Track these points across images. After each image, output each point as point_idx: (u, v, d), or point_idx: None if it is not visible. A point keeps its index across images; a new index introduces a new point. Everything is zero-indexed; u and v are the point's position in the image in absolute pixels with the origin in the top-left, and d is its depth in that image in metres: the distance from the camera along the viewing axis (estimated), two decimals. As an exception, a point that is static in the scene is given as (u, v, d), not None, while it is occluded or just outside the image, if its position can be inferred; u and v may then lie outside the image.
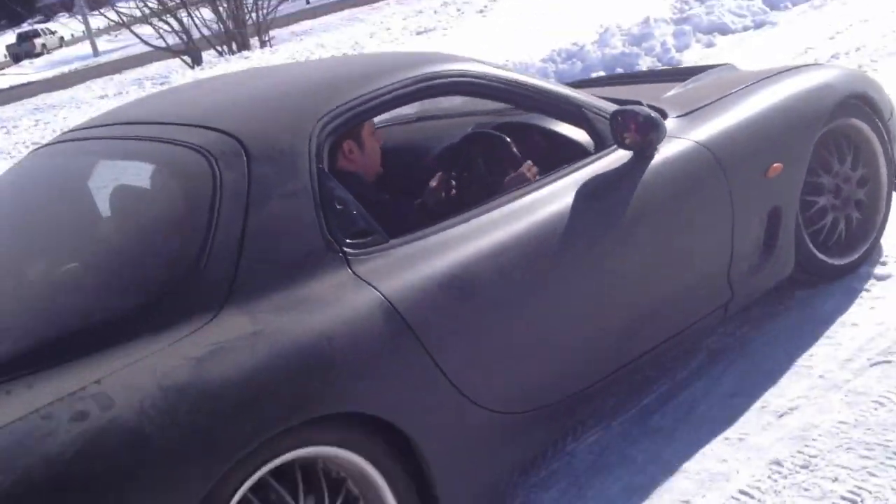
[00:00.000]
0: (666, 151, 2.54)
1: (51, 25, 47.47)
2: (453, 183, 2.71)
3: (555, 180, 2.40)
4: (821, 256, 2.96)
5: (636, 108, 2.46)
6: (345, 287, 1.93)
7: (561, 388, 2.29)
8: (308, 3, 44.59)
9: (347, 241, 2.01)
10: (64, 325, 1.81)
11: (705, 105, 2.79)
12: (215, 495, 1.65)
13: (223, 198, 1.92)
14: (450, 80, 2.41)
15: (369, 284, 1.95)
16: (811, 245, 2.93)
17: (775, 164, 2.74)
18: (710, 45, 8.01)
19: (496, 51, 8.25)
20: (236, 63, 12.91)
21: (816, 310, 2.95)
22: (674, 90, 3.09)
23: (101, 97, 13.53)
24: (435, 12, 14.06)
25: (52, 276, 2.09)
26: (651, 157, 2.51)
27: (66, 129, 3.00)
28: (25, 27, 52.08)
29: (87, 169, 2.44)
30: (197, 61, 18.20)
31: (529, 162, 2.56)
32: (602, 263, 2.38)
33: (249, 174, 1.97)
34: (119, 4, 21.00)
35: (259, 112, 2.24)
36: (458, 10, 12.83)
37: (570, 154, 2.55)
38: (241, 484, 1.71)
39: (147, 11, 19.40)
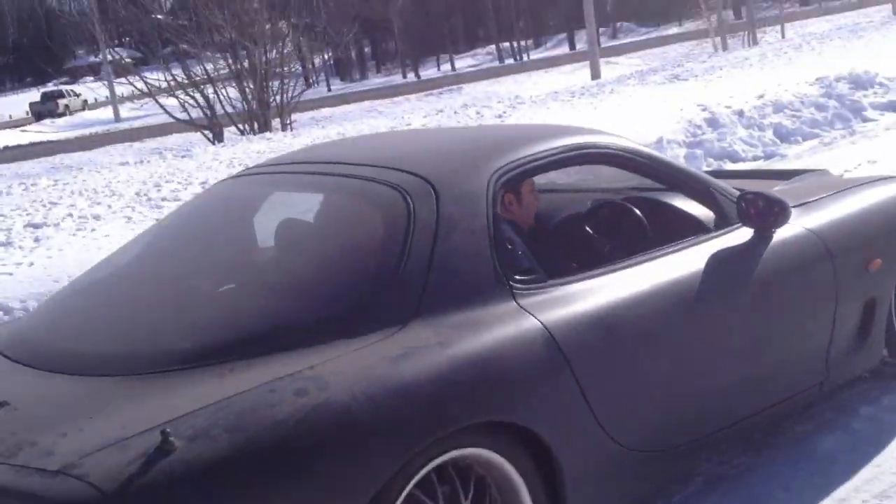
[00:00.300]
0: (782, 235, 2.86)
1: (76, 87, 48.48)
2: (594, 240, 3.01)
3: (685, 248, 2.73)
4: None
5: (765, 191, 2.87)
6: (511, 315, 2.27)
7: (681, 434, 2.58)
8: (329, 90, 45.79)
9: (515, 276, 2.37)
10: (282, 321, 2.22)
11: (815, 199, 3.13)
12: (400, 475, 1.96)
13: (416, 230, 2.30)
14: (603, 150, 2.81)
15: (531, 315, 2.29)
16: None
17: (876, 260, 3.06)
18: (720, 171, 8.22)
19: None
20: (258, 143, 13.16)
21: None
22: (779, 186, 3.42)
23: (122, 164, 13.74)
24: (455, 112, 14.42)
25: (272, 281, 2.56)
26: (770, 238, 2.83)
27: (257, 164, 3.58)
28: (51, 87, 53.23)
29: (296, 196, 3.00)
30: (218, 137, 18.53)
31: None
32: (723, 326, 2.71)
33: (438, 211, 2.35)
34: (146, 74, 21.55)
35: (444, 160, 2.67)
36: (478, 112, 13.17)
37: (690, 229, 2.87)
38: (421, 469, 2.01)
39: (174, 84, 19.85)
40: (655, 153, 2.99)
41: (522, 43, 56.26)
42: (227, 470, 1.78)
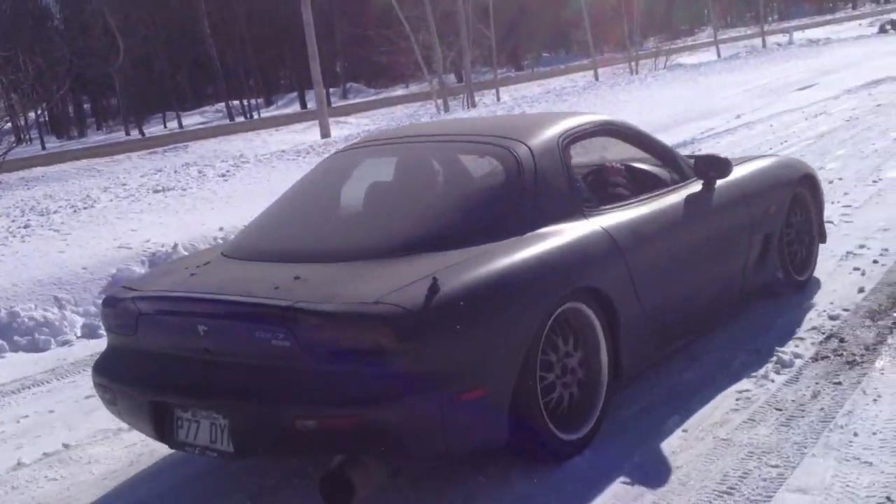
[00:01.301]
0: (720, 186, 4.33)
1: None
2: (618, 185, 4.29)
3: (668, 192, 4.17)
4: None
5: (712, 153, 4.83)
6: (584, 226, 3.56)
7: (672, 312, 3.90)
8: (44, 148, 42.54)
9: (584, 203, 3.72)
10: (456, 227, 3.35)
11: (735, 165, 4.45)
12: (545, 317, 3.15)
13: (523, 173, 3.54)
14: (616, 126, 4.34)
15: (598, 225, 3.60)
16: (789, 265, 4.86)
17: (772, 206, 4.64)
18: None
19: (231, 214, 8.21)
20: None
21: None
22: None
23: None
24: (176, 171, 13.86)
25: (441, 205, 3.66)
26: (714, 187, 4.30)
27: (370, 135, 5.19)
28: None
29: (429, 154, 4.13)
30: None
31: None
32: (694, 239, 4.10)
33: (534, 162, 3.59)
34: None
35: (524, 132, 3.82)
36: (200, 171, 12.72)
37: (666, 181, 4.31)
38: (554, 313, 3.19)
39: None
40: (644, 131, 4.48)
41: (253, 101, 55.66)
42: (458, 300, 2.87)
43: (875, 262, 5.32)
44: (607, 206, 3.78)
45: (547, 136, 3.77)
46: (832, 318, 4.48)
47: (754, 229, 4.48)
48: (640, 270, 3.63)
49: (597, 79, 29.05)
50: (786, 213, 4.76)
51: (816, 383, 3.75)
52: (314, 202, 4.05)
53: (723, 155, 4.47)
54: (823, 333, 4.30)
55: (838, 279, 5.14)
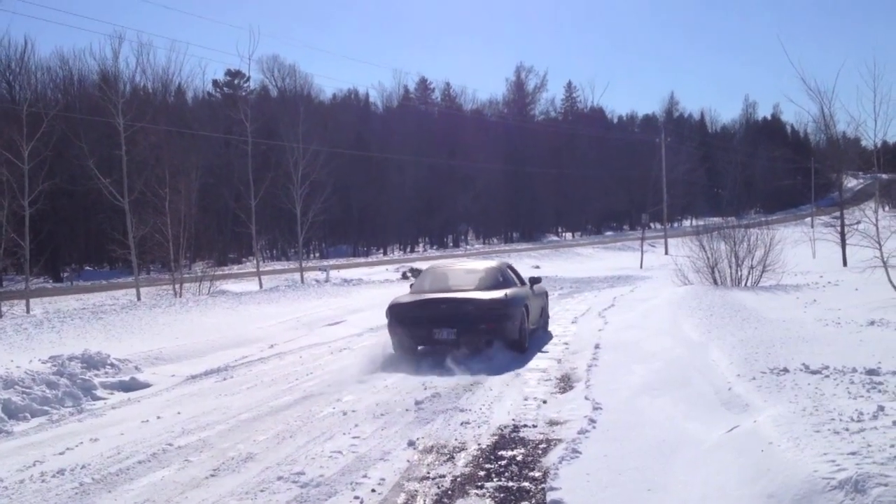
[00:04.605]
0: (534, 288, 15.13)
1: None
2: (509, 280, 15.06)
3: (524, 286, 14.71)
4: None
5: (533, 276, 16.46)
6: (524, 288, 15.17)
7: (533, 320, 15.40)
8: None
9: (517, 283, 15.21)
10: (484, 287, 13.76)
11: (536, 283, 15.48)
12: None
13: (502, 272, 14.65)
14: (510, 265, 15.63)
15: (527, 287, 15.49)
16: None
17: (544, 297, 16.47)
18: None
19: None
20: None
21: None
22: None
23: None
24: None
25: (477, 280, 14.21)
26: (533, 288, 14.96)
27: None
28: None
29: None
30: None
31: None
32: (535, 304, 14.97)
33: (502, 270, 14.95)
34: None
35: (494, 266, 15.23)
36: None
37: (524, 282, 14.93)
38: (524, 308, 14.10)
39: None
40: (515, 269, 15.49)
41: None
42: (509, 299, 13.36)
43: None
44: (521, 284, 14.42)
45: (504, 265, 15.03)
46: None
47: (542, 303, 15.72)
48: (527, 303, 13.65)
49: (139, 298, 28.61)
50: (546, 300, 16.18)
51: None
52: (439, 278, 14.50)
53: (534, 276, 16.46)
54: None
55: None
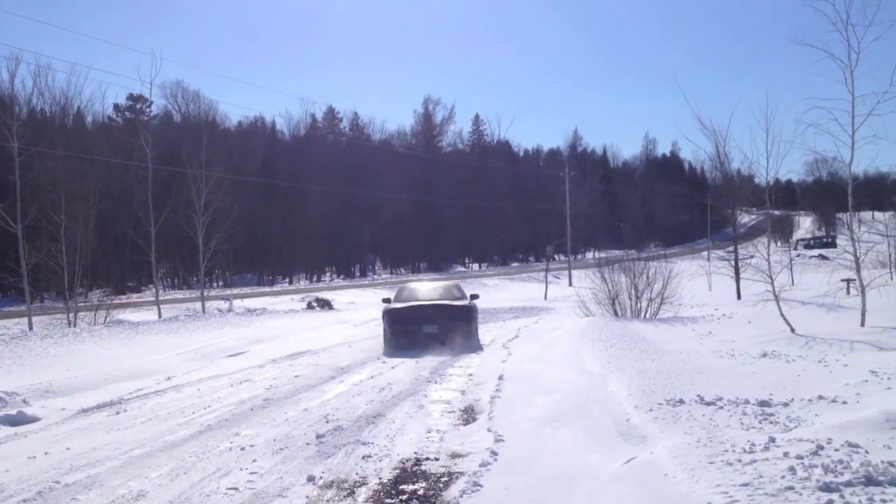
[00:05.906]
0: (474, 302, 20.54)
1: None
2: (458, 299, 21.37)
3: (467, 301, 20.29)
4: None
5: (475, 293, 22.35)
6: (470, 301, 21.93)
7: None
8: None
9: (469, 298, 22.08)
10: (450, 303, 20.21)
11: (473, 298, 21.19)
12: None
13: (459, 289, 22.13)
14: (459, 284, 24.33)
15: (471, 301, 22.31)
16: None
17: (478, 315, 21.00)
18: None
19: None
20: None
21: None
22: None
23: None
24: None
25: (446, 296, 20.69)
26: (474, 302, 20.32)
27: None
28: None
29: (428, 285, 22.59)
30: None
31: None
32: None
33: (463, 293, 21.90)
34: None
35: (455, 286, 22.52)
36: None
37: (467, 297, 20.73)
38: (475, 309, 21.62)
39: None
40: (461, 290, 21.47)
41: None
42: (470, 305, 20.65)
43: None
44: (469, 299, 20.47)
45: (457, 283, 22.28)
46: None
47: (475, 317, 19.92)
48: (477, 310, 20.28)
49: (31, 328, 27.45)
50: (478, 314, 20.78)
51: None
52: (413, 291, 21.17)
53: (473, 293, 22.17)
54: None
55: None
